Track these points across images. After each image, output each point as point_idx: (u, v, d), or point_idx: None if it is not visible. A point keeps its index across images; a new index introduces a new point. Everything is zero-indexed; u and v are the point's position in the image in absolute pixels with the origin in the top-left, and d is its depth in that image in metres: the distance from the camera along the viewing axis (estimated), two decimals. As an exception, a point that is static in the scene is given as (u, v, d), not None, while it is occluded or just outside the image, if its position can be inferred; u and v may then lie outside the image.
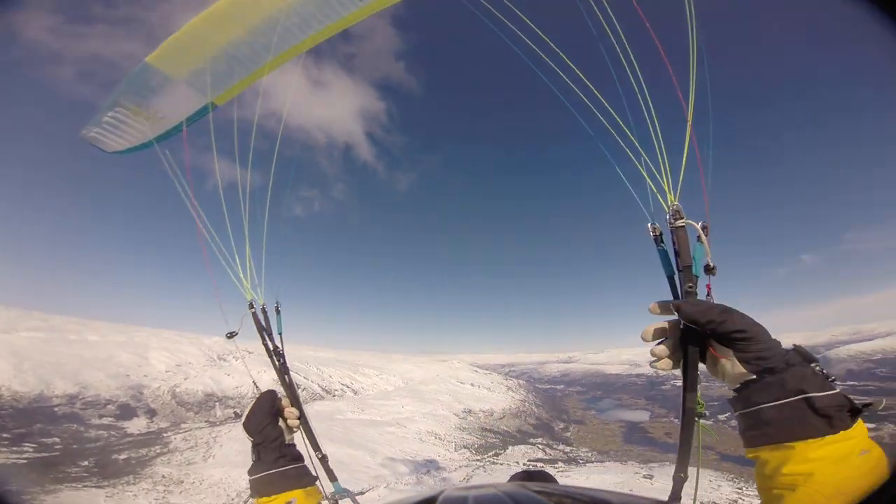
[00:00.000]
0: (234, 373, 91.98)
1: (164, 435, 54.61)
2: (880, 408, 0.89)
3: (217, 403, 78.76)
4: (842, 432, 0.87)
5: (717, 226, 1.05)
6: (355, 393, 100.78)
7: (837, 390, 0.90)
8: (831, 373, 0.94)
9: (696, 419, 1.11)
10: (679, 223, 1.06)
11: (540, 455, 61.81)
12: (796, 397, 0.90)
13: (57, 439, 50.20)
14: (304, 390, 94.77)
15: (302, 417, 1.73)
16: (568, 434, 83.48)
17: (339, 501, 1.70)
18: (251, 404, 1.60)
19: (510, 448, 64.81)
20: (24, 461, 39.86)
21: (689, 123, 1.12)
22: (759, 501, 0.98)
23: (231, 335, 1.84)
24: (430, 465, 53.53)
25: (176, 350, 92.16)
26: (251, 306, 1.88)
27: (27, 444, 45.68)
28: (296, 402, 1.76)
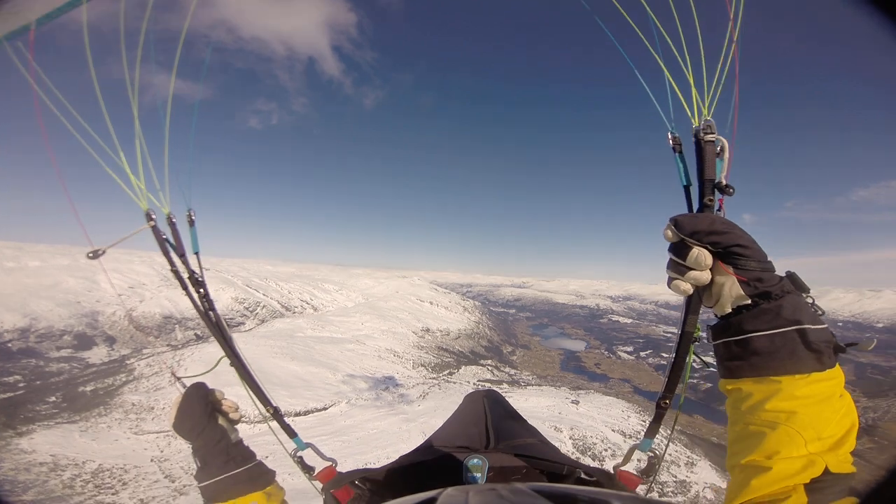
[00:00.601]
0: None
1: (128, 362, 56.29)
2: (870, 347, 0.87)
3: (177, 325, 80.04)
4: (828, 370, 0.84)
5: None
6: (315, 309, 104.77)
7: (826, 325, 0.87)
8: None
9: (692, 343, 1.09)
10: (709, 137, 1.01)
11: (488, 376, 69.19)
12: (791, 328, 0.85)
13: (19, 377, 50.80)
14: (263, 308, 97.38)
15: (242, 366, 1.52)
16: (514, 357, 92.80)
17: (302, 455, 1.56)
18: (177, 402, 1.34)
19: (463, 368, 72.13)
20: (-10, 403, 40.89)
21: (734, 27, 1.05)
22: (731, 434, 0.95)
23: (95, 254, 1.38)
24: (388, 382, 59.27)
25: (127, 270, 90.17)
26: (149, 218, 1.42)
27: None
28: (226, 344, 1.50)
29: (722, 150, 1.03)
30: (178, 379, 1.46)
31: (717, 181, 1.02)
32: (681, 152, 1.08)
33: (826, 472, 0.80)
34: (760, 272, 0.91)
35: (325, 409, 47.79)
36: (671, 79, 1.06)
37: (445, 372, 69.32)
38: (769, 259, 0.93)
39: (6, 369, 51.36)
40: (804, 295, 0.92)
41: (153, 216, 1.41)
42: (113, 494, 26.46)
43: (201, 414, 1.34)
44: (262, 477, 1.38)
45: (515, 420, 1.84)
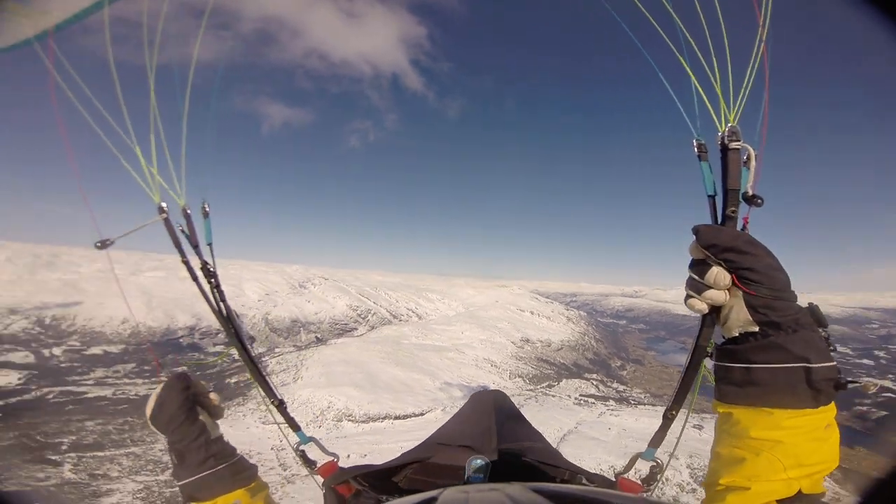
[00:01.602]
0: (314, 299, 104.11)
1: (262, 359, 65.38)
2: (871, 391, 0.87)
3: (302, 329, 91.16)
4: (821, 407, 0.85)
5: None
6: (419, 318, 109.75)
7: (834, 362, 0.86)
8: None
9: (703, 358, 1.08)
10: (734, 144, 0.97)
11: (593, 391, 64.85)
12: (797, 364, 0.84)
13: (185, 368, 62.33)
14: (373, 315, 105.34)
15: (251, 361, 1.51)
16: (624, 373, 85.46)
17: (305, 449, 1.55)
18: (156, 393, 1.29)
19: (564, 381, 68.63)
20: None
21: (763, 28, 1.01)
22: (714, 455, 0.96)
23: (102, 244, 1.37)
24: (483, 392, 59.27)
25: (264, 280, 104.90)
26: (161, 211, 1.41)
27: (163, 375, 57.56)
28: (236, 337, 1.51)
29: (749, 158, 0.98)
30: (161, 369, 1.45)
31: (742, 191, 0.97)
32: (706, 160, 1.03)
33: (799, 492, 0.83)
34: (772, 300, 0.88)
35: (422, 414, 49.43)
36: (697, 83, 1.02)
37: (544, 384, 66.47)
38: (791, 289, 0.90)
39: (177, 361, 63.43)
40: (820, 330, 0.89)
41: (165, 208, 1.43)
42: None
43: (180, 406, 1.27)
44: (244, 472, 1.33)
45: (520, 423, 1.82)
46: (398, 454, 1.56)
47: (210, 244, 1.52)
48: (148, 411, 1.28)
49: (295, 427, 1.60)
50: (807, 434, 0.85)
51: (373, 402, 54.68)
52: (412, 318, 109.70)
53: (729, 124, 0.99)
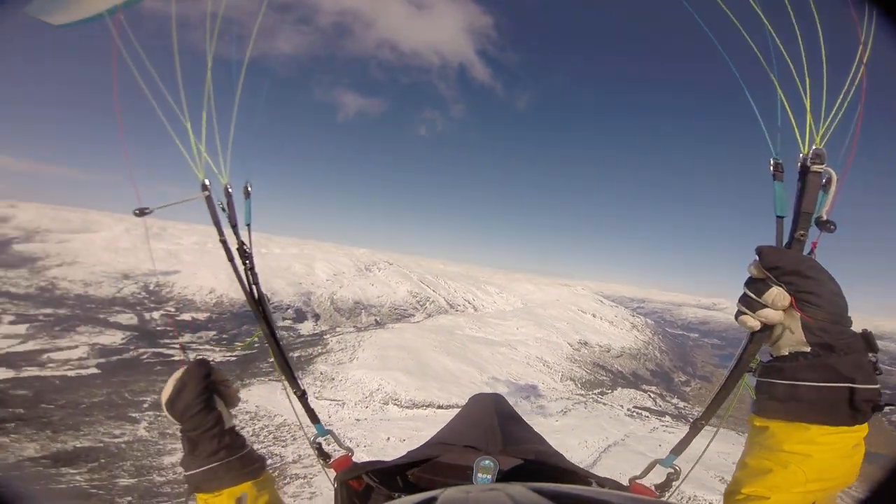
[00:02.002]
0: (378, 283, 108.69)
1: (325, 337, 70.21)
2: None
3: (363, 311, 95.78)
4: (857, 426, 0.88)
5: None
6: (475, 309, 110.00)
7: (878, 385, 0.88)
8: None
9: (745, 372, 1.09)
10: (816, 168, 0.95)
11: (649, 404, 61.05)
12: (843, 384, 0.87)
13: (256, 339, 68.77)
14: (432, 303, 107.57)
15: (277, 347, 1.53)
16: (687, 389, 79.16)
17: (322, 442, 1.54)
18: (175, 378, 1.26)
19: (618, 390, 65.40)
20: (234, 358, 56.85)
21: (865, 48, 0.97)
22: (741, 464, 0.99)
23: (141, 212, 1.38)
24: (530, 391, 58.12)
25: (334, 261, 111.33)
26: (204, 188, 1.42)
27: (238, 343, 63.81)
28: (266, 320, 1.52)
29: (829, 182, 0.97)
30: (184, 352, 1.41)
31: (817, 216, 0.97)
32: (781, 180, 1.03)
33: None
34: (828, 324, 0.90)
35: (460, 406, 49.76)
36: (785, 100, 1.00)
37: (596, 391, 63.54)
38: (847, 315, 0.92)
39: (249, 331, 70.18)
40: (871, 355, 0.91)
41: (208, 185, 1.45)
42: (282, 447, 33.55)
43: (199, 394, 1.25)
44: (252, 465, 1.31)
45: (522, 426, 1.82)
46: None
47: (248, 225, 1.51)
48: (165, 397, 1.25)
49: (314, 419, 1.57)
50: (837, 451, 0.88)
51: (420, 388, 56.21)
52: (468, 310, 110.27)
53: (814, 147, 0.97)
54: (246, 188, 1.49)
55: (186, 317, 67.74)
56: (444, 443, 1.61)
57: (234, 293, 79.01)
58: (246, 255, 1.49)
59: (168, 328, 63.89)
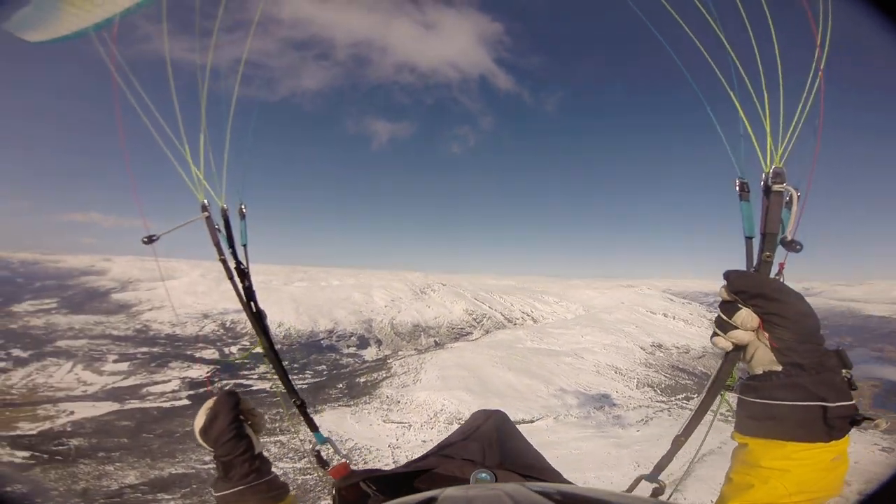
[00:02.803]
0: (433, 304, 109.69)
1: (388, 361, 71.34)
2: (882, 428, 0.91)
3: (422, 333, 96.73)
4: (833, 441, 0.90)
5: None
6: (535, 321, 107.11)
7: (853, 401, 0.91)
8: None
9: (722, 391, 1.12)
10: (776, 187, 0.97)
11: (738, 405, 54.96)
12: (815, 403, 0.90)
13: (324, 367, 71.49)
14: (488, 319, 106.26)
15: (276, 359, 1.58)
16: None
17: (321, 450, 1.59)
18: (209, 407, 1.35)
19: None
20: (306, 385, 59.30)
21: (820, 64, 0.98)
22: (727, 479, 1.02)
23: (149, 240, 1.44)
24: (603, 401, 54.72)
25: (390, 287, 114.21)
26: (203, 209, 1.47)
27: (308, 371, 67.31)
28: (264, 335, 1.56)
29: (791, 200, 0.98)
30: (213, 383, 1.53)
31: (781, 236, 0.98)
32: (747, 200, 1.04)
33: None
34: (796, 344, 0.93)
35: (532, 421, 47.99)
36: (746, 119, 1.01)
37: (680, 396, 58.42)
38: (819, 333, 0.95)
39: (318, 360, 73.33)
40: (844, 372, 0.93)
41: (207, 206, 1.49)
42: (353, 468, 33.86)
43: (232, 422, 1.34)
44: (277, 490, 1.38)
45: (523, 443, 1.85)
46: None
47: (245, 245, 1.56)
48: (199, 425, 1.34)
49: (314, 427, 1.65)
50: (815, 465, 0.91)
51: (483, 406, 54.75)
52: (527, 322, 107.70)
53: (774, 165, 0.98)
54: (241, 209, 1.52)
55: (260, 349, 71.89)
56: (442, 455, 1.63)
57: (300, 326, 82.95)
58: (244, 274, 1.53)
59: (245, 361, 68.08)
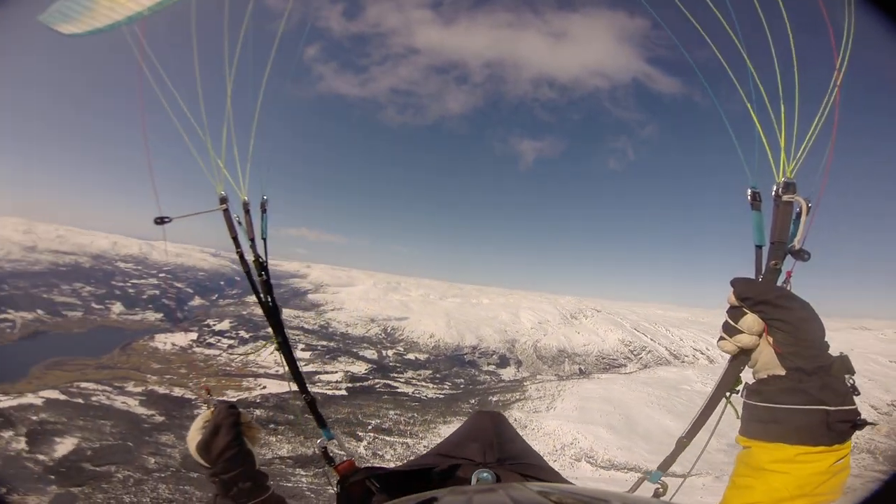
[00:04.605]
0: (584, 330, 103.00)
1: (524, 384, 70.41)
2: (884, 432, 2.00)
3: (566, 359, 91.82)
4: (835, 445, 0.92)
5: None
6: (711, 361, 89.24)
7: (854, 405, 0.93)
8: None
9: (727, 394, 1.15)
10: (786, 198, 0.99)
11: None
12: (816, 406, 0.92)
13: (462, 380, 75.00)
14: (648, 353, 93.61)
15: (289, 354, 1.58)
16: None
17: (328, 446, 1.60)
18: (204, 421, 1.30)
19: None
20: (442, 396, 62.98)
21: (839, 75, 0.99)
22: (731, 482, 1.04)
23: (161, 221, 1.39)
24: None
25: (538, 309, 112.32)
26: (223, 202, 1.45)
27: (447, 383, 71.50)
28: (278, 327, 1.56)
29: (801, 212, 1.00)
30: (210, 396, 1.41)
31: (789, 245, 1.01)
32: (759, 209, 1.07)
33: None
34: (798, 349, 0.95)
35: (683, 476, 39.46)
36: (761, 130, 1.03)
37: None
38: (823, 339, 0.97)
39: (458, 373, 77.08)
40: (847, 377, 0.95)
41: (226, 198, 1.51)
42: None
43: (235, 436, 1.29)
44: (277, 502, 1.36)
45: (522, 444, 1.88)
46: None
47: (265, 239, 1.57)
48: (196, 440, 1.28)
49: (322, 424, 1.66)
50: (816, 468, 0.92)
51: (624, 448, 49.06)
52: (699, 361, 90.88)
53: (785, 177, 1.00)
54: (262, 204, 1.54)
55: (411, 356, 79.91)
56: (443, 454, 1.66)
57: (448, 339, 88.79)
58: (263, 268, 1.55)
59: (397, 364, 76.31)
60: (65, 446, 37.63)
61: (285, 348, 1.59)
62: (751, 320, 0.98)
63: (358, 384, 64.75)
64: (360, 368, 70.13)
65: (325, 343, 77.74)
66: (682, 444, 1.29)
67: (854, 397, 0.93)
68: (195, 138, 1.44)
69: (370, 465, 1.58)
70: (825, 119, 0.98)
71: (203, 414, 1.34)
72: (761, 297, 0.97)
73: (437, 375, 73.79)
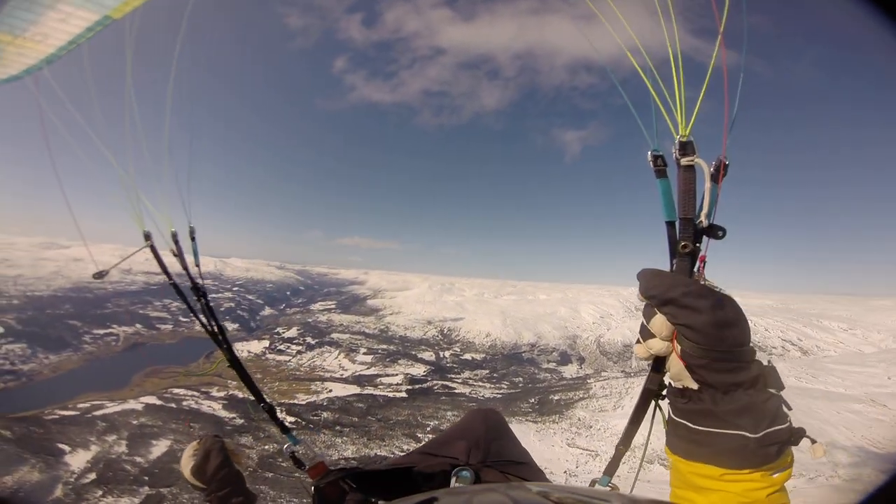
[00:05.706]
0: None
1: (588, 381, 67.18)
2: (819, 456, 0.84)
3: (634, 354, 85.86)
4: (766, 465, 0.80)
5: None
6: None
7: (785, 424, 0.81)
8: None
9: (654, 400, 1.03)
10: (685, 161, 0.82)
11: None
12: (732, 431, 0.80)
13: (521, 379, 73.35)
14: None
15: (240, 369, 1.64)
16: None
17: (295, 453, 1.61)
18: (193, 448, 1.49)
19: None
20: (500, 395, 61.94)
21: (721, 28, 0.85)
22: (671, 489, 0.95)
23: (100, 275, 1.48)
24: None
25: (600, 303, 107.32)
26: (147, 237, 1.50)
27: (504, 382, 70.37)
28: (225, 346, 1.64)
29: (706, 177, 0.83)
30: (192, 427, 3.32)
31: (696, 221, 0.84)
32: (665, 176, 0.88)
33: None
34: (711, 361, 0.81)
35: (634, 479, 36.04)
36: (651, 86, 0.88)
37: None
38: (744, 347, 0.81)
39: (517, 371, 75.43)
40: (773, 392, 0.83)
41: (150, 236, 1.60)
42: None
43: (225, 460, 1.48)
44: None
45: (511, 442, 1.84)
46: None
47: (198, 266, 1.68)
48: (190, 465, 1.46)
49: (285, 430, 1.70)
50: (747, 486, 0.81)
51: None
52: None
53: (680, 136, 0.84)
54: (190, 232, 1.65)
55: (468, 356, 79.75)
56: (427, 453, 1.66)
57: (505, 337, 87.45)
58: (200, 292, 1.63)
59: (454, 364, 76.46)
60: (159, 448, 41.70)
61: (236, 366, 1.69)
62: (659, 323, 0.83)
63: (417, 386, 65.70)
64: (418, 370, 71.13)
65: (385, 347, 79.81)
66: (620, 451, 1.22)
67: (786, 413, 0.81)
68: (113, 179, 1.55)
69: (342, 465, 1.62)
70: (715, 61, 0.82)
71: (191, 444, 1.52)
72: (666, 296, 0.80)
73: (495, 375, 72.85)
